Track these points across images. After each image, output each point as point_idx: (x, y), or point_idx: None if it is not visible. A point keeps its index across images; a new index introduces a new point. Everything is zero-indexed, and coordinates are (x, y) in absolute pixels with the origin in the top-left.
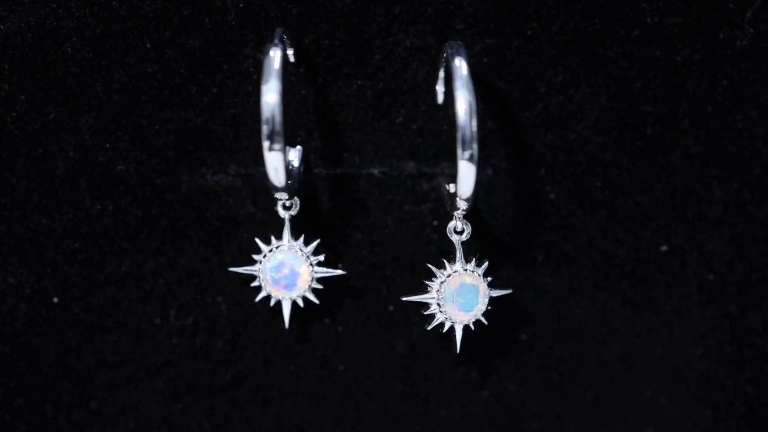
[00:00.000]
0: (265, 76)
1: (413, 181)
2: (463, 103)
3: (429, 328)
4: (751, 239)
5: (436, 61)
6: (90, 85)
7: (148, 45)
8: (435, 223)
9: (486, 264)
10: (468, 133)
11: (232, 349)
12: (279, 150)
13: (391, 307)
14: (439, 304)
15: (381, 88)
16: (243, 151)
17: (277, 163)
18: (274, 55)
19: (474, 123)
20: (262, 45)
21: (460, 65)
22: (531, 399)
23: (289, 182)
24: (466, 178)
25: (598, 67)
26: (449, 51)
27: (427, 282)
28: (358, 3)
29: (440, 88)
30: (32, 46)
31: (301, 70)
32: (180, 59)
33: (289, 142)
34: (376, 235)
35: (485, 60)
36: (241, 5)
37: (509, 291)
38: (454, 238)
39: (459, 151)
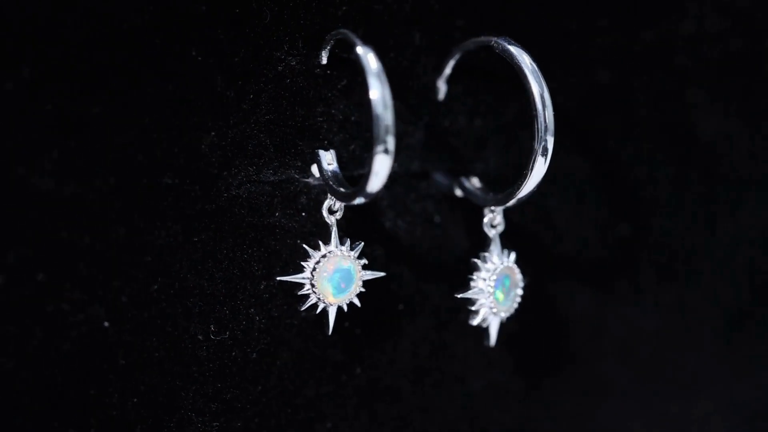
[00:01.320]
0: (371, 79)
1: (419, 179)
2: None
3: (475, 323)
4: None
5: (442, 58)
6: (130, 94)
7: (194, 52)
8: (437, 219)
9: (514, 254)
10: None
11: (266, 361)
12: (392, 154)
13: (400, 306)
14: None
15: (397, 86)
16: (281, 158)
17: (388, 167)
18: (372, 57)
19: (549, 113)
20: (294, 50)
21: (522, 57)
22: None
23: (333, 183)
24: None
25: (577, 65)
26: (503, 46)
27: (470, 276)
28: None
29: (442, 86)
30: (71, 54)
31: (328, 72)
32: (219, 65)
33: (321, 145)
34: (386, 232)
35: (482, 56)
36: (276, 9)
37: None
38: (491, 232)
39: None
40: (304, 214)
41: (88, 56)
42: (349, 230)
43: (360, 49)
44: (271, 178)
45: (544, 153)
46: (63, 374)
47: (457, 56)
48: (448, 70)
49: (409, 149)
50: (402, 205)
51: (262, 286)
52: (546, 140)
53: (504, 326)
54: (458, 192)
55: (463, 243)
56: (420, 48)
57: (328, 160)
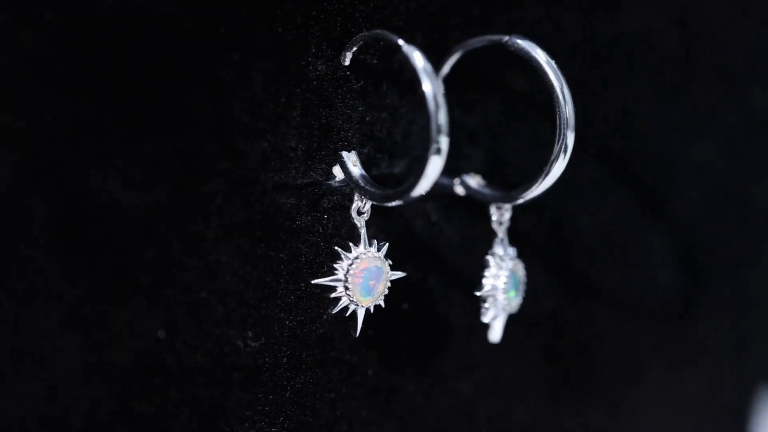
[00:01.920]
0: (424, 78)
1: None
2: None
3: (486, 320)
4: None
5: (441, 58)
6: (179, 102)
7: (235, 57)
8: (434, 218)
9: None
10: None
11: (293, 366)
12: (444, 156)
13: (404, 305)
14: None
15: (403, 88)
16: (308, 161)
17: (440, 169)
18: (420, 56)
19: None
20: (320, 52)
21: (537, 53)
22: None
23: (363, 184)
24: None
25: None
26: (518, 44)
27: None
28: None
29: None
30: (121, 60)
31: (348, 73)
32: (258, 69)
33: (342, 147)
34: (385, 232)
35: (482, 55)
36: (304, 11)
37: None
38: (498, 229)
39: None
40: (326, 216)
41: (133, 63)
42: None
43: (406, 48)
44: (299, 182)
45: (565, 149)
46: (122, 386)
47: (458, 55)
48: (446, 69)
49: (414, 148)
50: (400, 204)
51: (290, 290)
52: (566, 136)
53: (507, 323)
54: (459, 190)
55: (462, 241)
56: (422, 47)
57: (353, 161)
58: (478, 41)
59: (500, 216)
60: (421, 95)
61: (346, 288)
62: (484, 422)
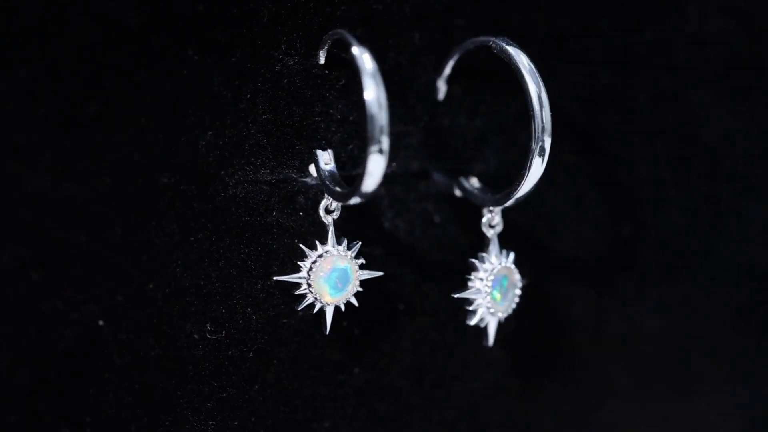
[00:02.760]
0: (366, 79)
1: (419, 179)
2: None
3: (472, 323)
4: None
5: (442, 58)
6: (131, 92)
7: (190, 52)
8: (437, 219)
9: (512, 255)
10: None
11: (262, 360)
12: (386, 154)
13: (401, 305)
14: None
15: (394, 87)
16: (279, 157)
17: (382, 166)
18: (367, 57)
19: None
20: (292, 50)
21: (520, 58)
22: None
23: (329, 183)
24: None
25: (576, 62)
26: (501, 46)
27: (468, 276)
28: (373, 3)
29: (442, 86)
30: (79, 56)
31: (326, 72)
32: (216, 65)
33: (319, 145)
34: (385, 232)
35: (482, 56)
36: (274, 9)
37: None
38: (489, 232)
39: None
40: (301, 213)
41: (85, 56)
42: (348, 230)
43: (355, 49)
44: (269, 178)
45: (542, 153)
46: (58, 373)
47: (456, 56)
48: (447, 70)
49: (409, 149)
50: (401, 205)
51: (259, 286)
52: (543, 140)
53: (503, 326)
54: (457, 192)
55: (462, 243)
56: (420, 48)
57: (326, 159)
58: (470, 43)
59: (490, 219)
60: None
61: (309, 285)
62: (469, 423)
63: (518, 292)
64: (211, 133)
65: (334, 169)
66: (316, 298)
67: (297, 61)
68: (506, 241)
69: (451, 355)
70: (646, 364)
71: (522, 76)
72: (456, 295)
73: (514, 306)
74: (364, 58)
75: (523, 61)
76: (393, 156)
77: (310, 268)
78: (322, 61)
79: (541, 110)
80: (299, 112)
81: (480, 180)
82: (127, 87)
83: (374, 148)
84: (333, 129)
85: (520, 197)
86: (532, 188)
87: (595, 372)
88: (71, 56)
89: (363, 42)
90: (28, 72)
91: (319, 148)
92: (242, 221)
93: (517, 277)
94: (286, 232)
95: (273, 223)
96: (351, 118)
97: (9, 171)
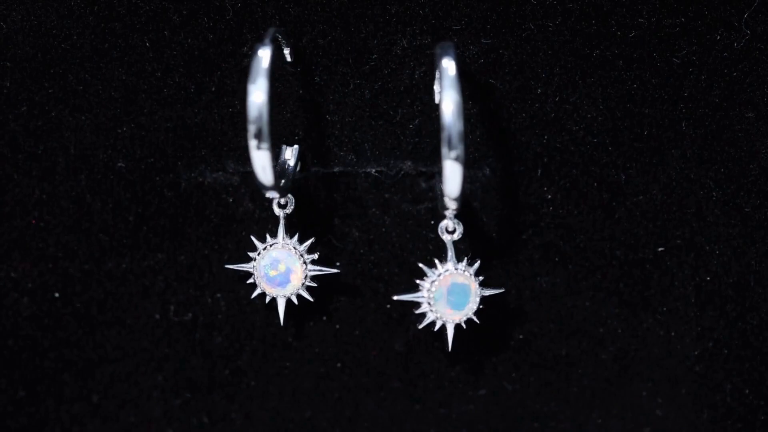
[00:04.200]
0: (252, 76)
1: (410, 181)
2: (450, 103)
3: (421, 326)
4: (748, 241)
5: (432, 61)
6: (90, 83)
7: (147, 44)
8: (432, 222)
9: (477, 263)
10: (454, 133)
11: (230, 345)
12: (266, 149)
13: (388, 305)
14: (429, 303)
15: (378, 88)
16: (241, 149)
17: (265, 162)
18: (263, 55)
19: (460, 123)
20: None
21: (448, 66)
22: (528, 398)
23: (283, 181)
24: (452, 178)
25: (594, 68)
26: (438, 51)
27: (418, 281)
28: (354, 3)
29: (437, 88)
30: (33, 44)
31: (299, 69)
32: (179, 58)
33: (287, 141)
34: (374, 233)
35: (482, 60)
36: (239, 5)
37: (501, 290)
38: (446, 237)
39: (444, 150)
40: (267, 205)
41: (45, 44)
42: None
43: (257, 46)
44: (235, 169)
45: (459, 159)
46: (16, 341)
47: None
48: (437, 74)
49: (400, 150)
50: (394, 207)
51: (228, 271)
52: (456, 148)
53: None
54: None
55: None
56: (407, 50)
57: (288, 155)
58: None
59: (446, 225)
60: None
61: (257, 277)
62: (453, 421)
63: (476, 299)
64: (169, 124)
65: (288, 165)
66: (263, 289)
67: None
68: (477, 248)
69: (440, 357)
70: (641, 364)
71: (441, 82)
72: (396, 297)
73: (470, 314)
74: (260, 55)
75: (448, 68)
76: (386, 158)
77: (256, 260)
78: (289, 58)
79: (453, 120)
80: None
81: (478, 184)
82: (86, 75)
83: (254, 144)
84: (306, 126)
85: (453, 206)
86: (458, 195)
87: (590, 375)
88: (26, 45)
89: (355, 41)
90: None
91: (289, 144)
92: (209, 209)
93: (475, 284)
94: (258, 223)
95: (242, 213)
96: (328, 117)
97: None
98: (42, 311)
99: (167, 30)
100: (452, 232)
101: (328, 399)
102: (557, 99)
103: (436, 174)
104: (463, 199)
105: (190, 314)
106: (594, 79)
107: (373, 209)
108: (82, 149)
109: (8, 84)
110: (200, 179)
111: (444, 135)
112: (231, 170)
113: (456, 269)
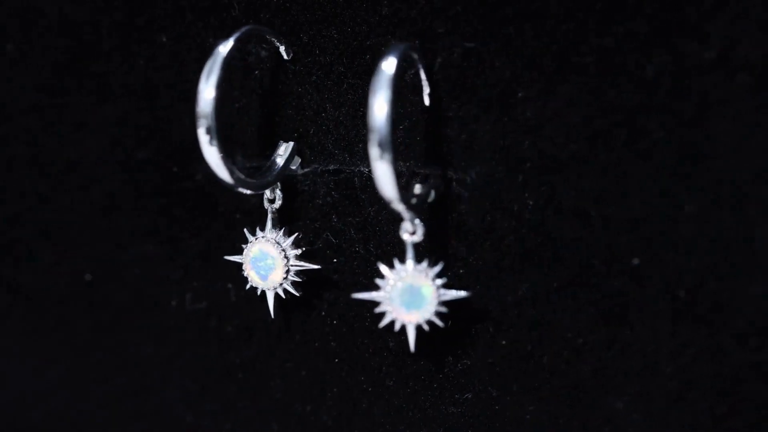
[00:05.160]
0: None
1: (404, 180)
2: (381, 104)
3: (381, 326)
4: (723, 254)
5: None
6: (114, 76)
7: (164, 39)
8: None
9: (439, 266)
10: (383, 135)
11: (240, 335)
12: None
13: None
14: (387, 303)
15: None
16: (250, 144)
17: (215, 157)
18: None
19: (389, 124)
20: (263, 42)
21: (385, 66)
22: (511, 404)
23: (269, 178)
24: (383, 180)
25: (573, 74)
26: (385, 50)
27: (377, 280)
28: (349, 4)
29: (425, 90)
30: (63, 37)
31: (295, 67)
32: (193, 53)
33: (285, 137)
34: (369, 231)
35: (465, 64)
36: (243, 4)
37: (464, 293)
38: (406, 238)
39: (373, 152)
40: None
41: (68, 42)
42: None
43: (216, 43)
44: (244, 164)
45: (381, 158)
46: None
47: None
48: (422, 75)
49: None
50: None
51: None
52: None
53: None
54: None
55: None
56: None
57: (280, 152)
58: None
59: (407, 227)
60: None
61: (247, 269)
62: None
63: (434, 301)
64: (188, 118)
65: (279, 162)
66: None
67: (268, 55)
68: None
69: (429, 359)
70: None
71: (372, 80)
72: (354, 296)
73: (430, 316)
74: (217, 51)
75: (384, 68)
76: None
77: (244, 253)
78: (287, 56)
79: (384, 119)
80: (270, 104)
81: (466, 186)
82: (102, 71)
83: (205, 139)
84: (306, 122)
85: (398, 208)
86: (393, 195)
87: (568, 384)
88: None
89: (349, 41)
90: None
91: (289, 140)
92: (221, 201)
93: (432, 286)
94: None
95: (252, 206)
96: (323, 114)
97: None
98: (74, 293)
99: (181, 26)
100: (412, 234)
101: (324, 393)
102: (539, 104)
103: (431, 175)
104: (423, 201)
105: (204, 303)
106: (573, 85)
107: (368, 207)
108: (106, 140)
109: (40, 75)
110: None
111: (372, 137)
112: (240, 165)
113: (414, 270)
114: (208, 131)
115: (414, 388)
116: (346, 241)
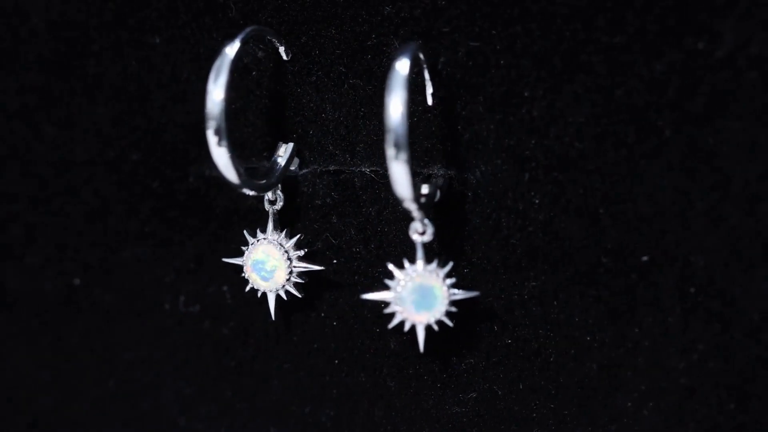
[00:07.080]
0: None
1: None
2: (397, 105)
3: (390, 326)
4: (733, 251)
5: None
6: (107, 77)
7: (157, 40)
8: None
9: (449, 265)
10: (400, 135)
11: (236, 337)
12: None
13: (383, 304)
14: (397, 303)
15: (372, 88)
16: (248, 145)
17: (224, 158)
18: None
19: (405, 124)
20: (261, 42)
21: (399, 67)
22: (517, 403)
23: (272, 179)
24: (399, 180)
25: (581, 73)
26: (397, 51)
27: (386, 281)
28: (350, 4)
29: (429, 90)
30: (55, 38)
31: (296, 68)
32: (186, 55)
33: (284, 138)
34: (370, 231)
35: (470, 63)
36: (240, 4)
37: (475, 293)
38: (415, 238)
39: (389, 152)
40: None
41: (62, 42)
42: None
43: (224, 44)
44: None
45: (397, 158)
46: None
47: (425, 62)
48: (426, 75)
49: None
50: (385, 205)
51: (233, 265)
52: (398, 147)
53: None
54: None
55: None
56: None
57: (280, 152)
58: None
59: (416, 227)
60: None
61: (247, 272)
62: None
63: (445, 301)
64: (181, 120)
65: (279, 162)
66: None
67: (266, 56)
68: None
69: (431, 358)
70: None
71: (387, 81)
72: (364, 296)
73: (443, 317)
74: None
75: (397, 70)
76: (380, 158)
77: (245, 254)
78: (285, 57)
79: (400, 119)
80: (268, 105)
81: (471, 186)
82: (97, 71)
83: (213, 140)
84: (304, 123)
85: (410, 207)
86: (407, 194)
87: (577, 383)
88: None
89: (350, 41)
90: None
91: (287, 141)
92: (216, 204)
93: (444, 286)
94: (259, 217)
95: (247, 207)
96: (323, 115)
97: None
98: (63, 296)
99: (175, 28)
100: (422, 234)
101: (325, 393)
102: (544, 103)
103: (433, 175)
104: (430, 201)
105: (198, 306)
106: (580, 84)
107: (369, 208)
108: (98, 142)
109: (30, 76)
110: (207, 173)
111: (388, 137)
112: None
113: (425, 270)
114: (218, 132)
115: (417, 388)
116: (346, 241)
